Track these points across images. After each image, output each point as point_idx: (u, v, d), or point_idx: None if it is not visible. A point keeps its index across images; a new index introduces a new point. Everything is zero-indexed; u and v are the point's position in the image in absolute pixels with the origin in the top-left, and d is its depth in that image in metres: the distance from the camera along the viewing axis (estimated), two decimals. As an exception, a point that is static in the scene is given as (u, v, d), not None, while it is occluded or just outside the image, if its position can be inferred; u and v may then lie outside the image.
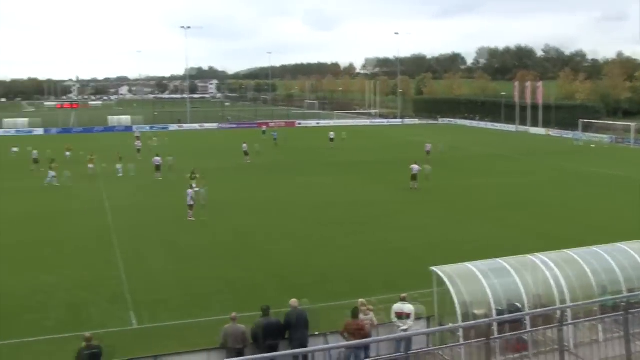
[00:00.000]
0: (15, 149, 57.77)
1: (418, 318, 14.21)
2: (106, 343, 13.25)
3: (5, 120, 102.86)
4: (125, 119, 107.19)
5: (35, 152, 53.17)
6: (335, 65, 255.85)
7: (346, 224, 30.44)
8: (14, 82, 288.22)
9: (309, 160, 56.90)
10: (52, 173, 43.25)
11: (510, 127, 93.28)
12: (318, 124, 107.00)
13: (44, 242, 27.65)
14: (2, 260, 24.55)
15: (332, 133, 71.74)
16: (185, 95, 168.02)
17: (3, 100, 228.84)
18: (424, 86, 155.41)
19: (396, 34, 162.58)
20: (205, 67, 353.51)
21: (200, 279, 22.14)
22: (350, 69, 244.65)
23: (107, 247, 26.40)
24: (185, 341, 15.89)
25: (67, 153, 51.63)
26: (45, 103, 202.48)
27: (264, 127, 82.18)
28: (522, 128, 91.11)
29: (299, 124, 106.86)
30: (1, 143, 73.40)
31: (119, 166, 47.21)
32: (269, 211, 33.86)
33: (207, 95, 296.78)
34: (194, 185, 33.81)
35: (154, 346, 15.30)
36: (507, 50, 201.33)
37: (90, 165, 46.73)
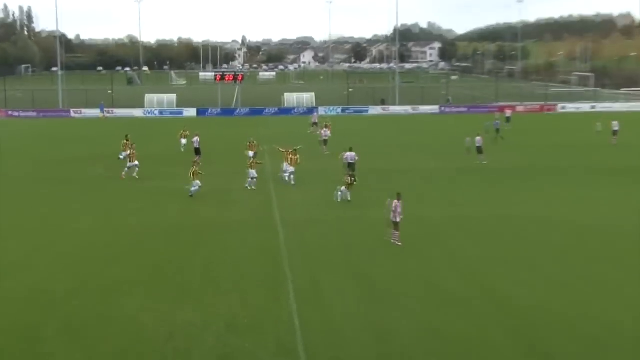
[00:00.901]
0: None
1: None
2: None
3: (148, 96, 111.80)
4: (306, 98, 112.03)
5: (196, 139, 57.47)
6: (626, 18, 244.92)
7: (625, 261, 29.11)
8: (161, 47, 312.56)
9: (565, 162, 55.87)
10: (252, 172, 45.10)
11: None
12: (593, 108, 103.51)
13: (191, 264, 29.20)
14: (139, 287, 26.32)
15: (599, 124, 71.10)
16: (392, 65, 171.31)
17: (146, 69, 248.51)
18: None
19: None
20: (423, 24, 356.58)
21: (401, 328, 22.11)
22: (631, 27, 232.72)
23: (274, 277, 27.32)
24: None
25: (250, 153, 50.19)
26: (201, 74, 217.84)
27: (496, 114, 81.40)
28: None
29: (563, 108, 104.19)
30: (140, 128, 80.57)
31: (288, 170, 46.98)
32: (503, 235, 33.45)
33: (424, 65, 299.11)
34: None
35: None
36: None
37: (290, 169, 46.91)
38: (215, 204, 41.28)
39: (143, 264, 29.52)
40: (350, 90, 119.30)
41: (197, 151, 56.11)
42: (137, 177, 48.66)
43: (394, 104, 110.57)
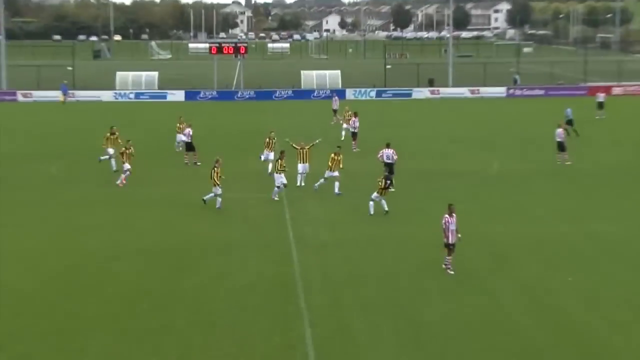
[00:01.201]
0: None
1: None
2: None
3: (120, 74, 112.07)
4: (330, 77, 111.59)
5: (188, 131, 56.14)
6: None
7: None
8: (139, 8, 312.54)
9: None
10: (281, 178, 44.59)
11: None
12: None
13: (174, 297, 29.06)
14: (105, 328, 26.07)
15: None
16: (444, 33, 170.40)
17: (118, 38, 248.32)
18: None
19: None
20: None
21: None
22: None
23: (285, 316, 27.19)
24: None
25: (269, 155, 50.43)
26: (191, 45, 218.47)
27: (601, 96, 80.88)
28: None
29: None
30: (111, 116, 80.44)
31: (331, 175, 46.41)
32: (596, 262, 33.25)
33: (487, 33, 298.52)
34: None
35: None
36: None
37: (334, 173, 46.13)
38: (209, 217, 41.28)
39: (111, 297, 29.32)
40: (389, 67, 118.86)
41: (189, 146, 55.78)
42: (123, 184, 48.34)
43: (446, 84, 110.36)
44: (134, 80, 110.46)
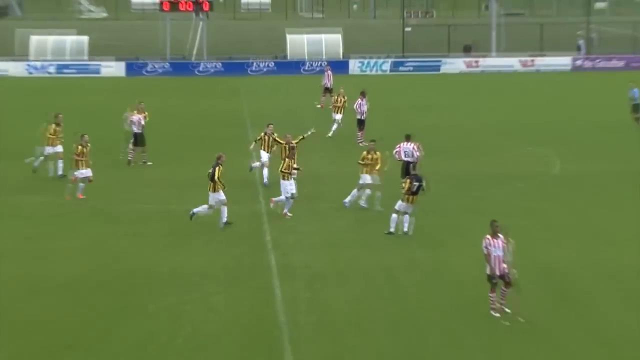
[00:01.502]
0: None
1: None
2: None
3: (35, 38, 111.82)
4: (327, 43, 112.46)
5: (135, 117, 56.24)
6: None
7: None
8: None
9: None
10: (290, 186, 44.23)
11: None
12: None
13: (108, 349, 28.75)
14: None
15: None
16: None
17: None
18: None
19: None
20: None
21: None
22: None
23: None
24: None
25: (264, 157, 49.59)
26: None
27: None
28: None
29: None
30: (22, 98, 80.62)
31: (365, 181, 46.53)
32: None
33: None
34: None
35: None
36: None
37: (367, 178, 45.64)
38: (160, 239, 41.29)
39: (19, 350, 29.09)
40: (409, 29, 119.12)
41: (137, 139, 55.25)
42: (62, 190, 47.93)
43: (488, 53, 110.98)
44: (55, 47, 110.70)
